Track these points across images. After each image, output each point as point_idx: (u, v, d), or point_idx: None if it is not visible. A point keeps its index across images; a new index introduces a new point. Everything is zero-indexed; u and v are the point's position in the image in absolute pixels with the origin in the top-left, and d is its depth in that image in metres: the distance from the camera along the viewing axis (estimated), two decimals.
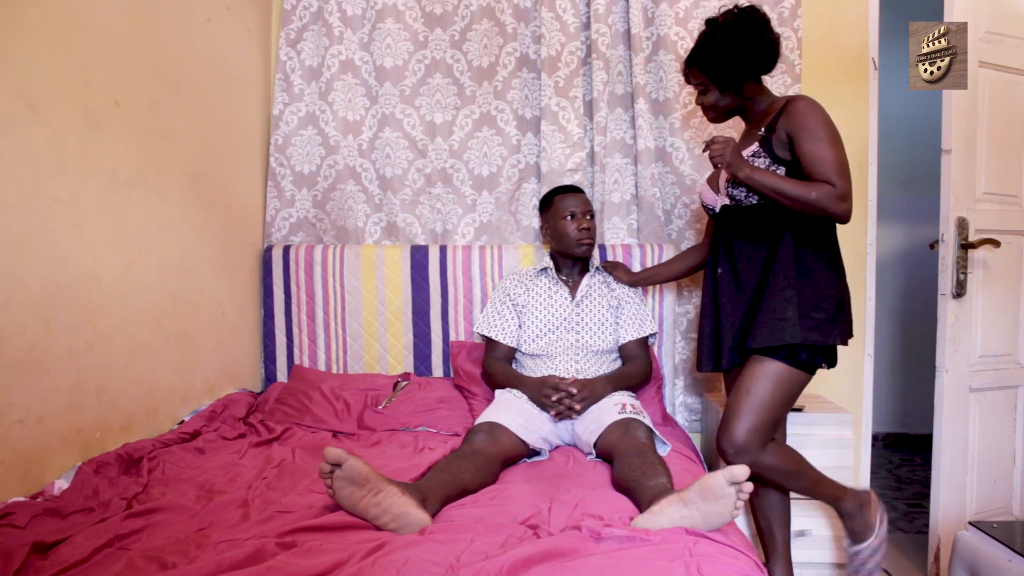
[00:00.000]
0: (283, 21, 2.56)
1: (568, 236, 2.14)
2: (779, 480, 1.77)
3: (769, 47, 1.75)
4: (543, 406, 1.95)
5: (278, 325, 2.51)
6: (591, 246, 2.16)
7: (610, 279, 2.23)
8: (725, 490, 1.27)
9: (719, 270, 1.83)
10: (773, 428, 1.72)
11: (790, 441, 2.18)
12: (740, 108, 1.84)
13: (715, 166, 1.74)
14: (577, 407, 1.93)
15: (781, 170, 1.71)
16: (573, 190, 2.21)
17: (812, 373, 1.74)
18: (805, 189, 1.63)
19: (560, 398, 1.93)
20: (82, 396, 1.66)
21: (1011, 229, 2.25)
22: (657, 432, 1.85)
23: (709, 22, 1.79)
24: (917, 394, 3.64)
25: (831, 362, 1.77)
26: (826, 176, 1.62)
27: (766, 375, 1.69)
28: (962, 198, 2.15)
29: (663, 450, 1.83)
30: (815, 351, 1.70)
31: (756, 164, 1.73)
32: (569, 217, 2.14)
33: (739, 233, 1.79)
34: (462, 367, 2.29)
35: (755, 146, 1.74)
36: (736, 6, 1.78)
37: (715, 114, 1.86)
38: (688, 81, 1.88)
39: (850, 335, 1.76)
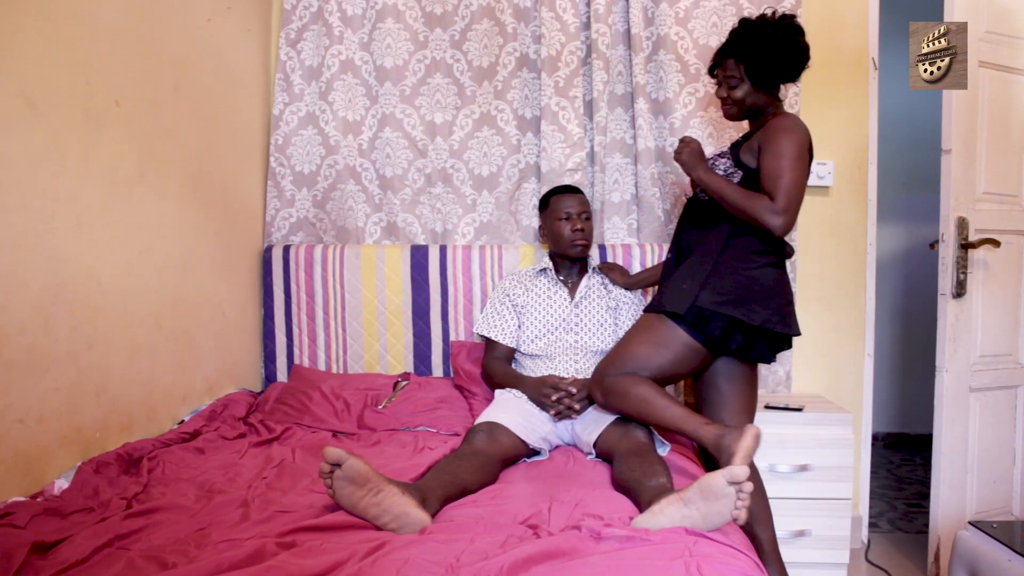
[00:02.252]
0: (283, 21, 2.56)
1: (563, 237, 2.14)
2: (634, 406, 1.73)
3: (806, 54, 1.82)
4: (543, 406, 1.95)
5: (278, 325, 2.51)
6: (585, 247, 2.15)
7: (608, 280, 2.23)
8: (725, 490, 1.27)
9: (668, 255, 1.95)
10: (633, 365, 1.75)
11: (791, 440, 2.19)
12: (758, 110, 1.86)
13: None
14: (576, 407, 1.93)
15: (738, 175, 1.80)
16: (570, 190, 2.21)
17: (697, 334, 1.74)
18: (744, 198, 1.73)
19: (560, 397, 1.93)
20: (82, 396, 1.66)
21: (1011, 229, 2.25)
22: (656, 432, 1.85)
23: (758, 19, 1.81)
24: (917, 394, 3.64)
25: (712, 333, 1.74)
26: (770, 190, 1.70)
27: (638, 321, 1.86)
28: (962, 198, 2.15)
29: (662, 450, 1.83)
30: (712, 317, 1.72)
31: (718, 164, 1.84)
32: (564, 218, 2.14)
33: (691, 223, 1.90)
34: (462, 367, 2.29)
35: (725, 148, 1.85)
36: (775, 11, 1.84)
37: (738, 110, 1.87)
38: (713, 73, 1.90)
39: (781, 326, 1.74)
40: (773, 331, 1.73)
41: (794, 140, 1.72)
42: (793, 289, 2.45)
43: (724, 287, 1.74)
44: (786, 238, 1.82)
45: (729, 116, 1.90)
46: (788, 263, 2.42)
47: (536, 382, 2.00)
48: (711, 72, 1.91)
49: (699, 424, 1.61)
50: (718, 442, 1.54)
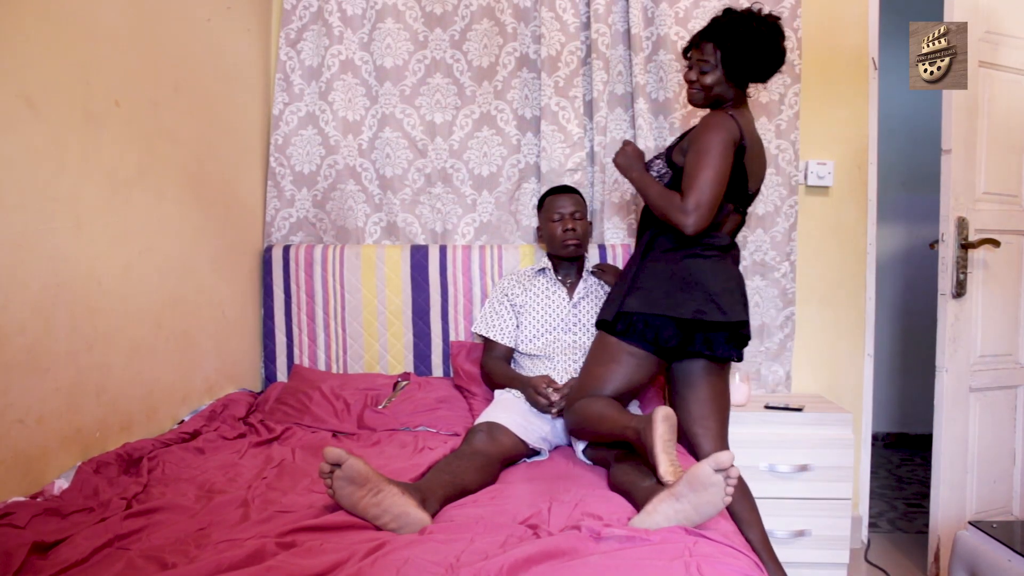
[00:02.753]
0: (283, 21, 2.56)
1: (555, 237, 2.15)
2: (590, 427, 1.74)
3: (782, 58, 1.83)
4: (538, 406, 1.94)
5: (278, 325, 2.51)
6: (577, 247, 2.15)
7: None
8: (712, 478, 1.27)
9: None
10: (592, 388, 1.78)
11: (791, 440, 2.19)
12: (721, 101, 1.85)
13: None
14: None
15: (669, 175, 1.83)
16: (564, 191, 2.21)
17: (633, 338, 1.76)
18: (660, 197, 1.77)
19: (550, 392, 1.91)
20: (82, 396, 1.66)
21: (1011, 229, 2.25)
22: None
23: (745, 12, 1.81)
24: (917, 394, 3.64)
25: (644, 334, 1.76)
26: (684, 188, 1.72)
27: (592, 343, 1.91)
28: (962, 198, 2.15)
29: None
30: (639, 320, 1.75)
31: (653, 165, 1.88)
32: (557, 219, 2.14)
33: (639, 230, 1.96)
34: (462, 367, 2.29)
35: (661, 150, 1.91)
36: (760, 8, 1.83)
37: (704, 96, 1.87)
38: (687, 55, 1.89)
39: (718, 314, 1.72)
40: (711, 322, 1.71)
41: (713, 138, 1.72)
42: (792, 288, 2.45)
43: (647, 287, 1.76)
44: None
45: (693, 101, 1.90)
46: (788, 262, 2.44)
47: (529, 383, 1.99)
48: (685, 53, 1.90)
49: (624, 425, 1.57)
50: (638, 439, 1.50)
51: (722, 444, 1.83)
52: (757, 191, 1.89)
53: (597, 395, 1.76)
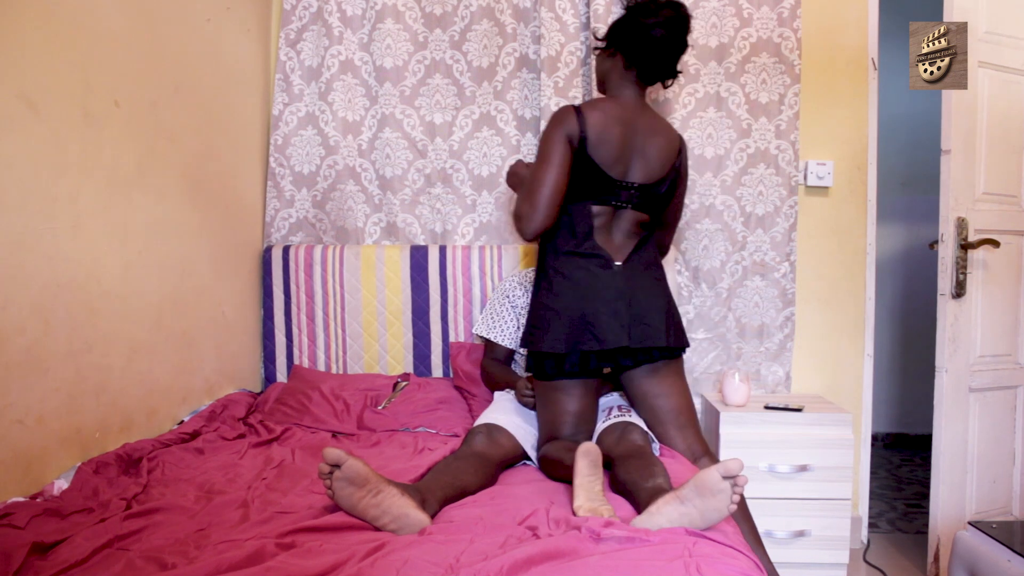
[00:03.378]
0: (283, 21, 2.56)
1: None
2: (555, 473, 1.72)
3: (662, 52, 1.74)
4: (527, 407, 1.94)
5: (278, 325, 2.51)
6: None
7: None
8: (720, 485, 1.27)
9: None
10: (548, 432, 1.78)
11: (791, 440, 2.19)
12: (603, 83, 1.85)
13: None
14: None
15: None
16: None
17: (544, 377, 1.77)
18: (517, 205, 1.70)
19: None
20: (82, 396, 1.66)
21: (1011, 229, 2.26)
22: (651, 433, 1.85)
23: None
24: (917, 394, 3.64)
25: (546, 370, 1.75)
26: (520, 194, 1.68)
27: None
28: (961, 198, 2.15)
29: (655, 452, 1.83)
30: (532, 355, 1.77)
31: None
32: None
33: None
34: (462, 368, 2.29)
35: None
36: (686, 8, 1.77)
37: (596, 75, 1.90)
38: None
39: (593, 342, 1.69)
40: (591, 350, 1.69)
41: (546, 137, 1.67)
42: (792, 288, 2.46)
43: (534, 324, 1.75)
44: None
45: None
46: (787, 262, 2.44)
47: (515, 384, 1.99)
48: None
49: (570, 466, 1.54)
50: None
51: (692, 439, 1.81)
52: (663, 180, 1.78)
53: (555, 441, 1.76)
